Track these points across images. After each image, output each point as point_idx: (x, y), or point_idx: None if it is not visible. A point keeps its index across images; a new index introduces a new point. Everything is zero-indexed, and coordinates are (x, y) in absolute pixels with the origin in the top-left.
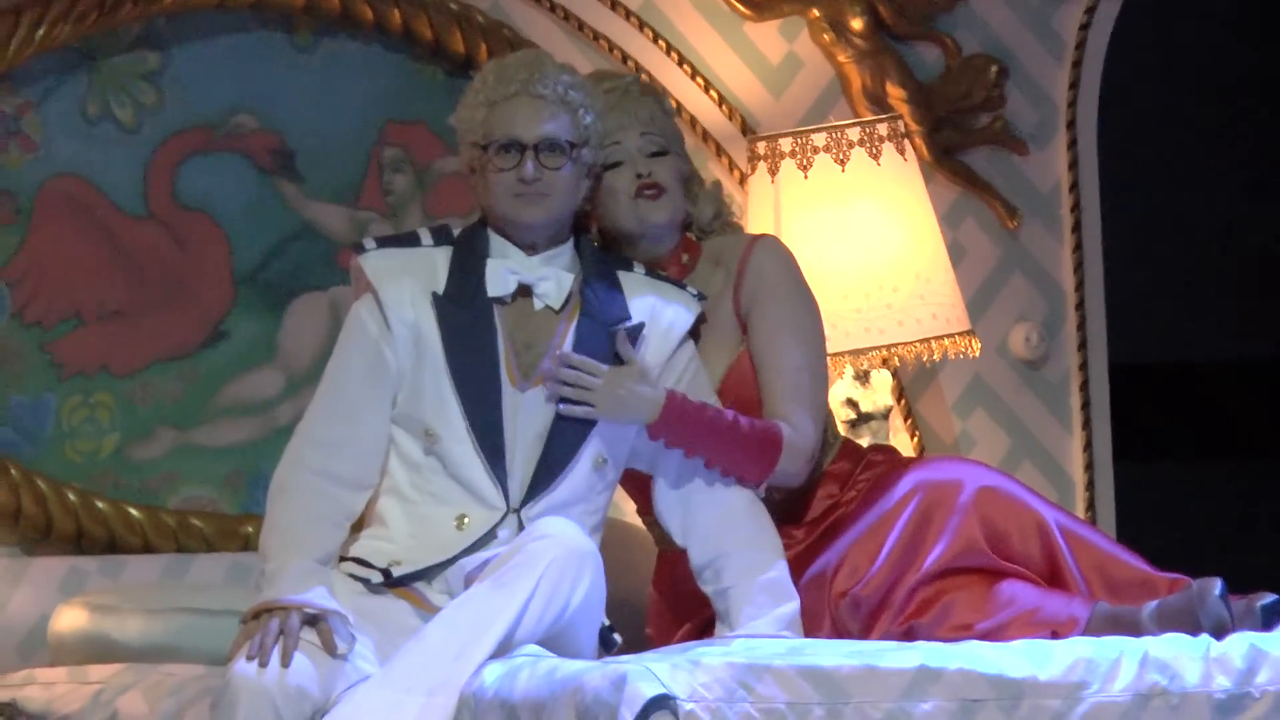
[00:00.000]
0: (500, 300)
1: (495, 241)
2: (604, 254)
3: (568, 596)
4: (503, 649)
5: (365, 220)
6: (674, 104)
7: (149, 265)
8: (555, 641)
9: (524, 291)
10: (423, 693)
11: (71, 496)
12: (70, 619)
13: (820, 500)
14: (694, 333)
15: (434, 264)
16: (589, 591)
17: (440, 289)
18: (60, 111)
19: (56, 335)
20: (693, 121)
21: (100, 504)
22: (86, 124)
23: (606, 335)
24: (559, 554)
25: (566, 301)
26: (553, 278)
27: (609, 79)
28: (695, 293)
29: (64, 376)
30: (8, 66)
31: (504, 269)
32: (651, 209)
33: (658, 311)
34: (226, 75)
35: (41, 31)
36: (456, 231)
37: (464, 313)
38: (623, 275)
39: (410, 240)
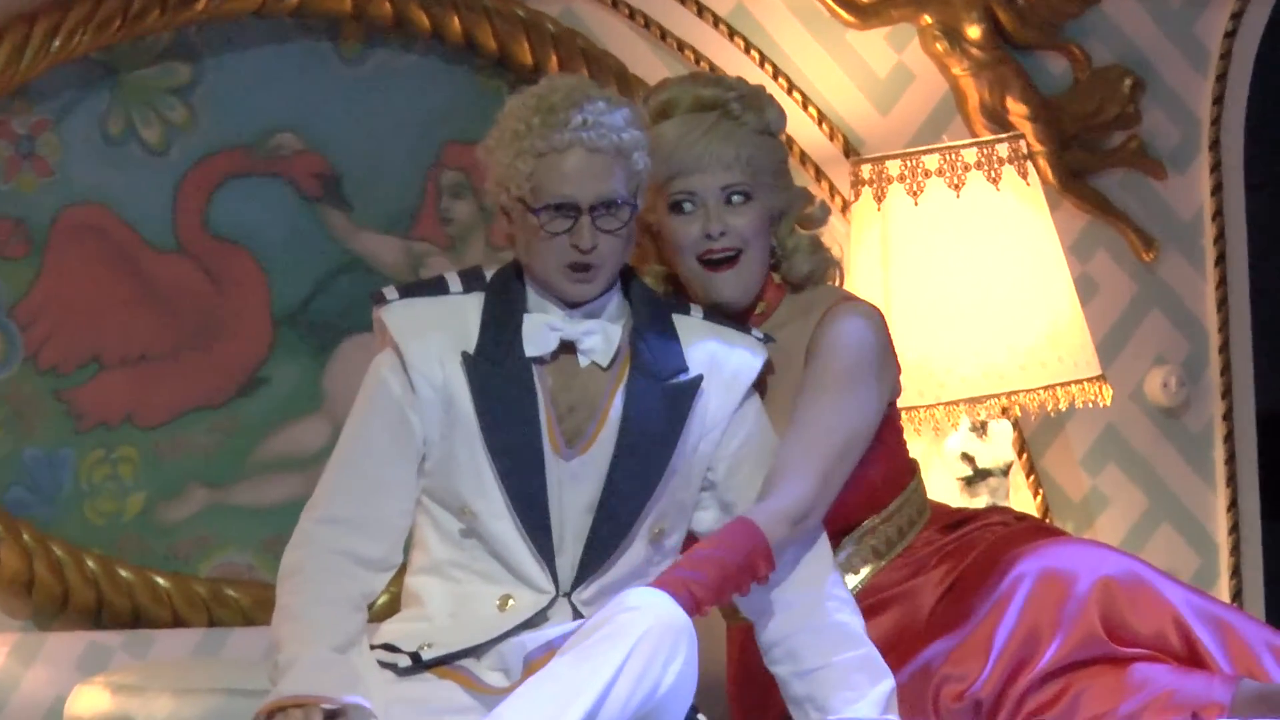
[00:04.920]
0: (539, 359)
1: (533, 293)
2: (657, 297)
3: (659, 676)
4: None
5: (421, 253)
6: None
7: (178, 304)
8: None
9: (567, 347)
10: None
11: (91, 563)
12: (90, 701)
13: (897, 573)
14: (760, 379)
15: (465, 314)
16: (682, 671)
17: (472, 344)
18: (79, 131)
19: (75, 382)
20: (789, 141)
21: (123, 572)
22: (108, 145)
23: (660, 392)
24: (651, 627)
25: (616, 356)
26: (599, 331)
27: (705, 88)
28: (761, 336)
29: (83, 428)
30: (21, 80)
31: (543, 324)
32: (719, 284)
33: (719, 360)
34: (265, 90)
35: (58, 42)
36: (489, 275)
37: (499, 373)
38: (678, 319)
39: (438, 287)
